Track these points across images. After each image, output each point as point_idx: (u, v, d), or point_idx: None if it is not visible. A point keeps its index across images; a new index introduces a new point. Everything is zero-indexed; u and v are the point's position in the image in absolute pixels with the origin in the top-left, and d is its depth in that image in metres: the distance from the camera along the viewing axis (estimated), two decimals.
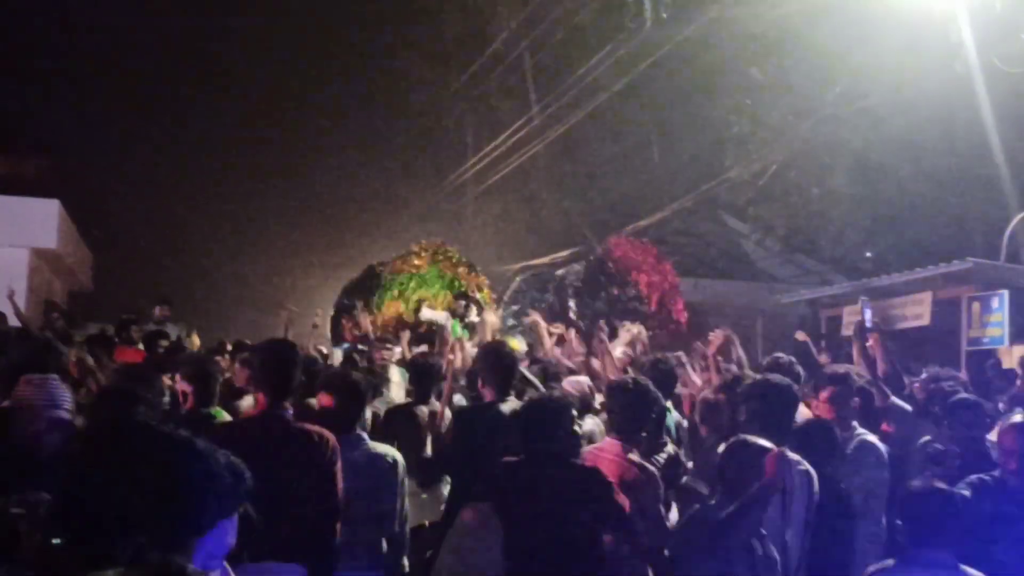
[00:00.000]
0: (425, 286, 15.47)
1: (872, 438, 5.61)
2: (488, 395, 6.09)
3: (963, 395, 6.27)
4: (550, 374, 7.52)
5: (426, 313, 13.61)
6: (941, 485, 4.35)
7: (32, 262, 19.43)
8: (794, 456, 4.91)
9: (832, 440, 5.24)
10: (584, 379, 7.47)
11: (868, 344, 7.04)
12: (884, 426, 6.69)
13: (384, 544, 5.11)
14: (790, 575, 4.71)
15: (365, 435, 5.22)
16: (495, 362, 6.12)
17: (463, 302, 13.65)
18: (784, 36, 21.25)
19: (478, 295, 14.12)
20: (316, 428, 5.08)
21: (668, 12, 21.59)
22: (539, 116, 26.49)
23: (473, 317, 13.29)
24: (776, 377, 5.38)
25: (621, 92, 23.91)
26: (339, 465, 4.74)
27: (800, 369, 6.50)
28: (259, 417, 4.82)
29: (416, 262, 16.12)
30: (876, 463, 5.42)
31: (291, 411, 4.95)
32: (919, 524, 4.16)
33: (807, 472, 4.96)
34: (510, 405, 5.88)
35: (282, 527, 4.01)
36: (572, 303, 17.86)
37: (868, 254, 23.88)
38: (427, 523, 6.14)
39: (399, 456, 5.29)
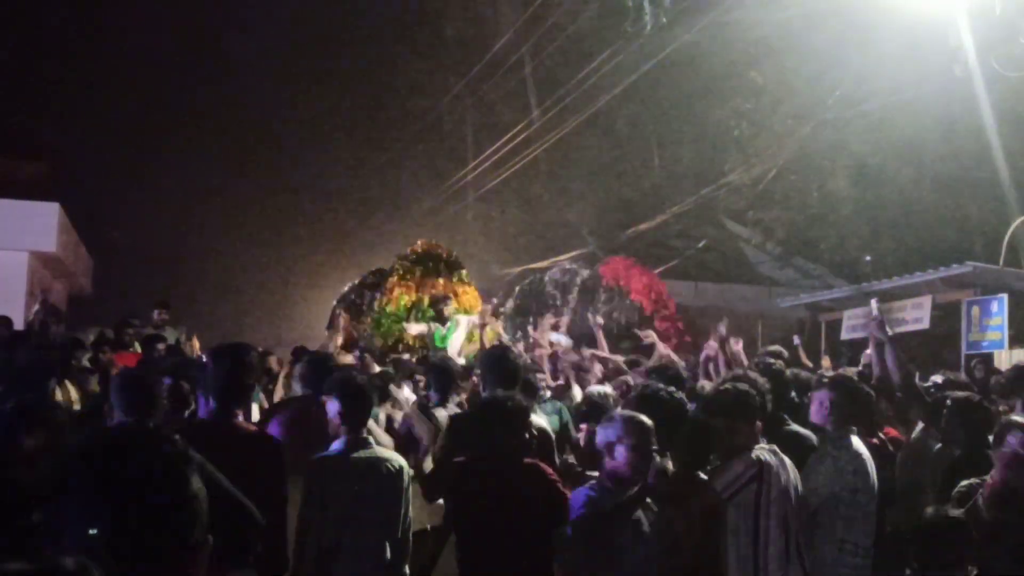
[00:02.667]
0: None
1: (846, 446, 5.48)
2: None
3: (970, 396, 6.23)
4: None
5: (412, 328, 13.72)
6: (956, 514, 4.37)
7: (32, 265, 19.42)
8: (770, 453, 4.91)
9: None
10: (606, 388, 7.43)
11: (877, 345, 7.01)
12: (889, 431, 6.66)
13: (387, 549, 5.10)
14: (770, 569, 4.71)
15: (371, 439, 5.21)
16: (495, 366, 6.04)
17: (440, 306, 13.73)
18: (784, 41, 21.27)
19: (450, 303, 14.09)
20: (263, 433, 5.08)
21: (668, 17, 21.65)
22: (539, 120, 26.52)
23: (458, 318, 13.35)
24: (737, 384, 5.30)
25: (621, 96, 23.93)
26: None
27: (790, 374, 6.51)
28: (209, 422, 4.82)
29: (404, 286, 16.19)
30: (841, 470, 5.33)
31: (240, 415, 4.94)
32: (933, 553, 4.18)
33: (783, 467, 4.90)
34: None
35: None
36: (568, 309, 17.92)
37: (868, 258, 23.89)
38: (429, 527, 6.12)
39: (404, 461, 5.28)
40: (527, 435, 5.06)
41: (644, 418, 4.53)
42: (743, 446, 4.87)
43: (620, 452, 4.44)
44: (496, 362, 6.10)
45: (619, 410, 4.84)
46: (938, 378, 7.60)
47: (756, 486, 4.68)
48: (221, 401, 4.85)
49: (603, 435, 4.56)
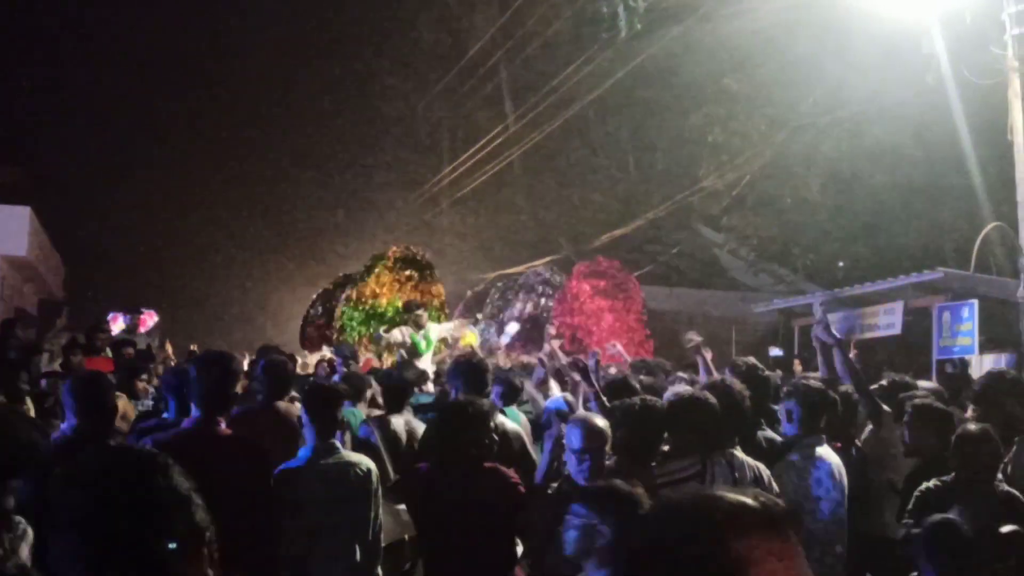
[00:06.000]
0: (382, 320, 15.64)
1: (811, 455, 5.47)
2: None
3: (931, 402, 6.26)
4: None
5: (395, 335, 13.53)
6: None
7: (2, 269, 19.26)
8: (748, 459, 4.90)
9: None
10: (567, 394, 7.40)
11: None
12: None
13: (358, 553, 5.09)
14: None
15: (339, 444, 5.20)
16: (466, 373, 6.01)
17: (415, 312, 13.58)
18: (758, 47, 21.37)
19: (423, 311, 14.02)
20: (247, 439, 5.05)
21: (643, 24, 21.70)
22: (515, 125, 26.54)
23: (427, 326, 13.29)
24: (695, 392, 5.26)
25: (596, 102, 23.99)
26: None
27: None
28: (193, 430, 4.79)
29: (377, 288, 16.21)
30: (804, 479, 5.34)
31: (224, 424, 4.90)
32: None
33: (759, 475, 4.86)
34: None
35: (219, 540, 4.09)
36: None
37: (841, 263, 24.02)
38: (407, 537, 6.10)
39: (373, 465, 5.26)
40: (488, 440, 5.05)
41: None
42: (691, 451, 4.83)
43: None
44: (464, 368, 6.08)
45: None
46: (883, 380, 7.64)
47: (697, 484, 4.64)
48: (205, 409, 4.82)
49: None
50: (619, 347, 10.04)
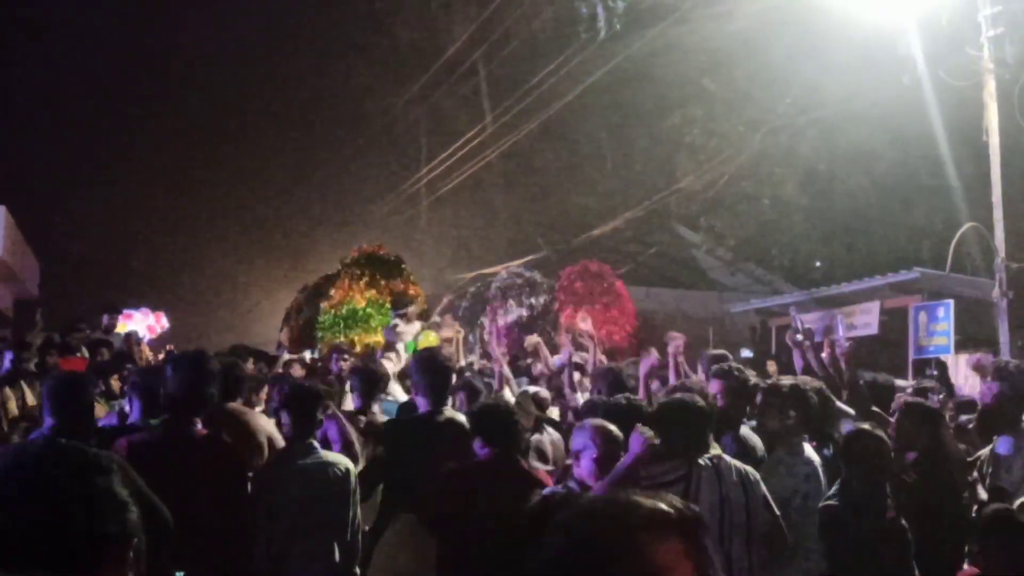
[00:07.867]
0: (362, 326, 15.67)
1: (799, 452, 5.52)
2: (422, 405, 5.89)
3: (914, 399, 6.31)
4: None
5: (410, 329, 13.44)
6: None
7: None
8: (734, 461, 4.89)
9: None
10: (542, 390, 7.41)
11: (819, 350, 7.05)
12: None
13: (337, 553, 5.09)
14: None
15: (317, 444, 5.19)
16: (429, 371, 5.91)
17: (406, 308, 13.56)
18: (737, 48, 21.45)
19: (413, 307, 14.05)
20: (219, 439, 5.04)
21: (622, 24, 21.74)
22: (493, 125, 26.52)
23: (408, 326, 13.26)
24: (686, 396, 5.27)
25: (575, 102, 23.99)
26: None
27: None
28: (167, 431, 4.78)
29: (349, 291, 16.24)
30: (794, 476, 5.37)
31: (199, 425, 4.86)
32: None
33: (746, 477, 4.84)
34: (447, 415, 5.78)
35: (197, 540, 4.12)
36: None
37: (818, 263, 24.13)
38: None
39: (351, 465, 5.26)
40: (520, 444, 5.11)
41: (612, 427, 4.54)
42: (676, 453, 4.83)
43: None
44: (426, 367, 5.97)
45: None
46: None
47: (683, 487, 4.63)
48: (180, 409, 4.80)
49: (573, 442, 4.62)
50: (588, 323, 9.89)
